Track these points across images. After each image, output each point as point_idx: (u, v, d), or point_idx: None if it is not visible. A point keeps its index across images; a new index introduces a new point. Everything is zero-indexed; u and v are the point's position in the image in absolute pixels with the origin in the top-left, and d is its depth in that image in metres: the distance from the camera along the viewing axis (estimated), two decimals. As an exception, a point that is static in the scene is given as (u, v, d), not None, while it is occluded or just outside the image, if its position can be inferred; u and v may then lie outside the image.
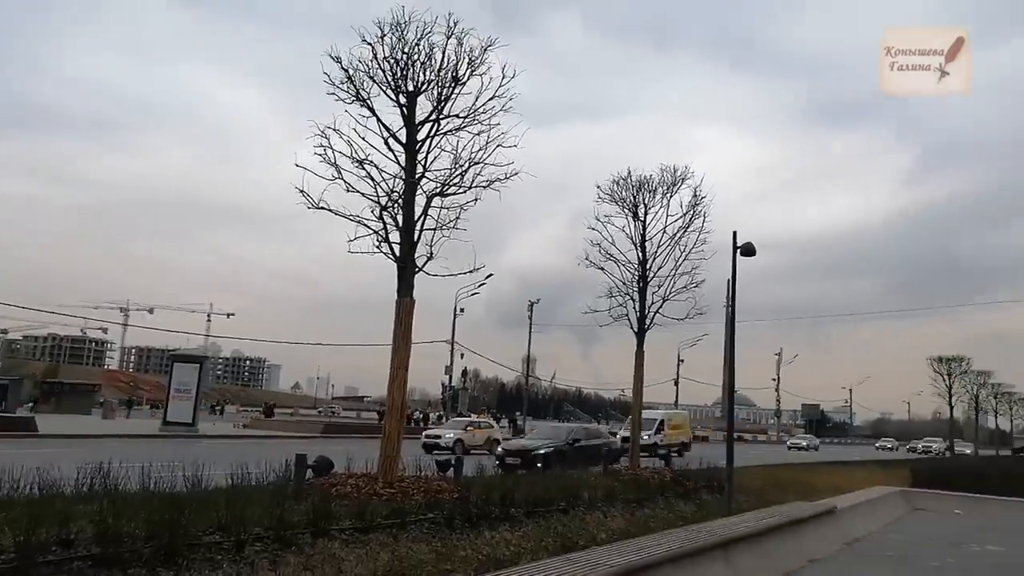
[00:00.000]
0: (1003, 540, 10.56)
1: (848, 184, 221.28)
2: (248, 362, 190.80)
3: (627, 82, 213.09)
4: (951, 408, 59.19)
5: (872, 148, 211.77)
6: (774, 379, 78.76)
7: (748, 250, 13.15)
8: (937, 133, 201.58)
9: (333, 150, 10.75)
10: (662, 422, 35.92)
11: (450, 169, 11.19)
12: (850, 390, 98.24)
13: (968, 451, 58.84)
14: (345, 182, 10.83)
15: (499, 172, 11.20)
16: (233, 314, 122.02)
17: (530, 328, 54.99)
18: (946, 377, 56.52)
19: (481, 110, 11.11)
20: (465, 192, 11.20)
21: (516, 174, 11.41)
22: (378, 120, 11.19)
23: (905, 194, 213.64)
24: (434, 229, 11.09)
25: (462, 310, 48.70)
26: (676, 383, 66.87)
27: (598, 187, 16.40)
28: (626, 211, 16.19)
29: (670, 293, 15.84)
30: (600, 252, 16.19)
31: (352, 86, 10.98)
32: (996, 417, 73.29)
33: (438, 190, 11.13)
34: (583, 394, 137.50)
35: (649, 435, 30.61)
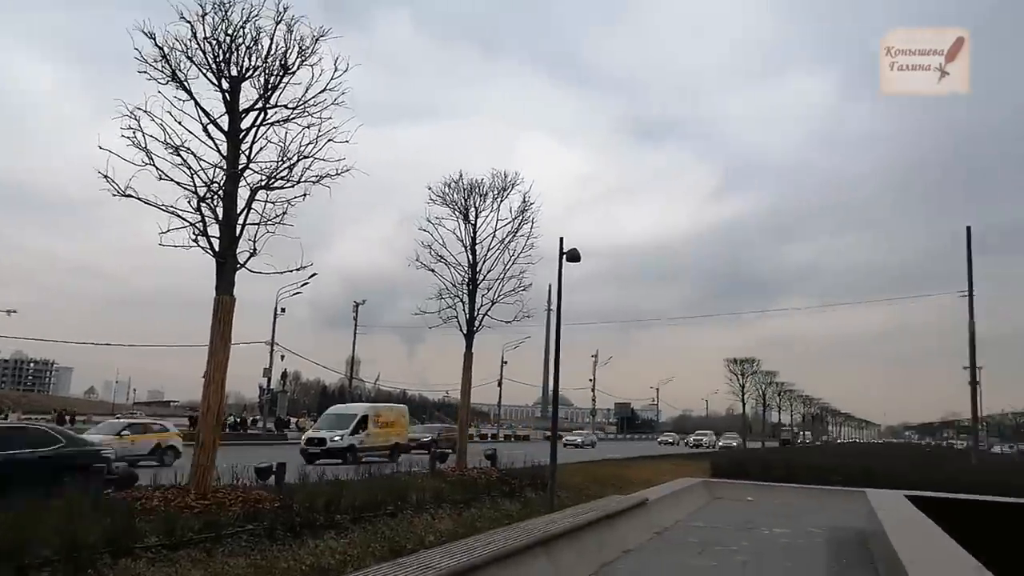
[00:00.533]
0: (788, 523, 11.76)
1: (659, 197, 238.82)
2: (32, 364, 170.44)
3: (458, 86, 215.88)
4: (743, 404, 65.38)
5: (681, 164, 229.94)
6: (590, 380, 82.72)
7: (573, 256, 13.70)
8: (734, 155, 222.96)
9: (144, 133, 9.89)
10: (364, 418, 27.23)
11: (277, 161, 10.69)
12: (657, 389, 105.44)
13: (734, 443, 64.68)
14: (157, 169, 10.02)
15: (330, 168, 10.85)
16: (15, 311, 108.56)
17: (355, 329, 53.90)
18: (739, 377, 62.38)
19: (312, 102, 10.72)
20: (293, 186, 10.75)
21: (348, 170, 11.11)
22: (197, 104, 10.45)
23: (709, 209, 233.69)
24: (258, 224, 10.53)
25: (283, 310, 46.75)
26: (500, 384, 68.38)
27: (429, 188, 16.42)
28: (457, 214, 16.32)
29: (499, 296, 16.18)
30: (431, 254, 16.21)
31: (168, 65, 10.17)
32: (779, 412, 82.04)
33: (263, 183, 10.58)
34: (408, 396, 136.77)
35: (343, 435, 24.98)
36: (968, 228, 31.78)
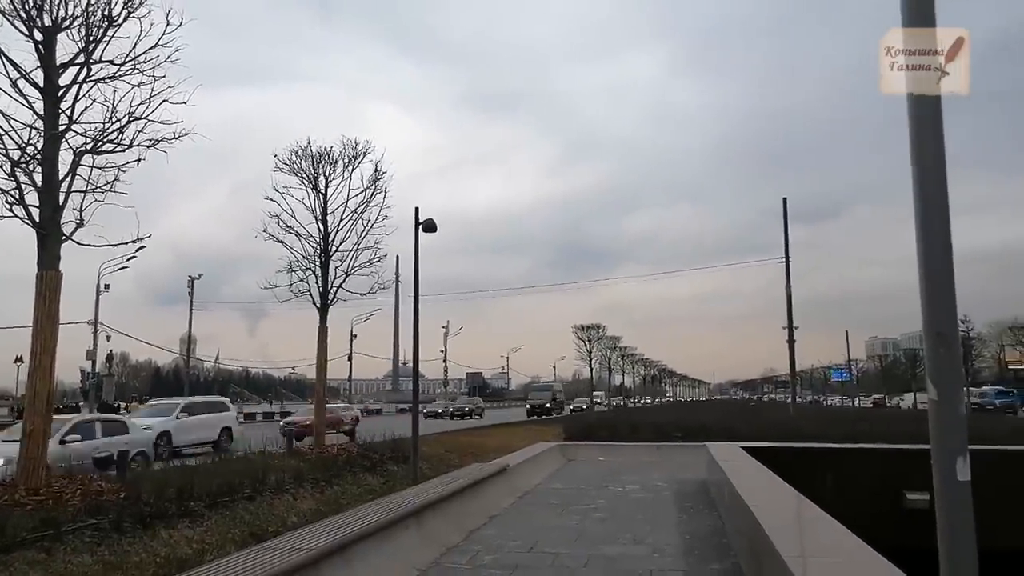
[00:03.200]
0: (638, 478, 12.51)
1: (506, 169, 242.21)
2: None
3: (301, 53, 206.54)
4: (591, 369, 68.44)
5: (526, 137, 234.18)
6: (442, 351, 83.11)
7: (430, 226, 13.57)
8: (577, 129, 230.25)
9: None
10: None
11: (104, 123, 9.71)
12: (507, 357, 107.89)
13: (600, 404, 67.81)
14: (-40, 127, 8.81)
15: (165, 131, 10.03)
16: None
17: (191, 305, 50.80)
18: (587, 343, 65.20)
19: (142, 58, 9.80)
20: (124, 150, 9.82)
21: (186, 134, 10.33)
22: (4, 56, 9.28)
23: (553, 180, 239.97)
24: (84, 192, 9.56)
25: (107, 287, 43.09)
26: (350, 358, 67.11)
27: (276, 156, 15.60)
28: (306, 183, 15.66)
29: (353, 268, 15.74)
30: (280, 224, 15.46)
31: (-34, 11, 8.93)
32: (623, 375, 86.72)
33: (89, 146, 9.59)
34: (251, 374, 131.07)
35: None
36: (784, 199, 34.82)
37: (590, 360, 66.52)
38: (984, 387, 58.58)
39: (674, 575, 6.10)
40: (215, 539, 6.97)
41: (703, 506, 9.69)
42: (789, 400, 41.68)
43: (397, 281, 36.71)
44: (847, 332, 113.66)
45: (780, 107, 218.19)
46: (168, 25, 9.75)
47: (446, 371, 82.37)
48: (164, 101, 9.92)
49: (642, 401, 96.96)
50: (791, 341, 34.49)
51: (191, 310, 50.69)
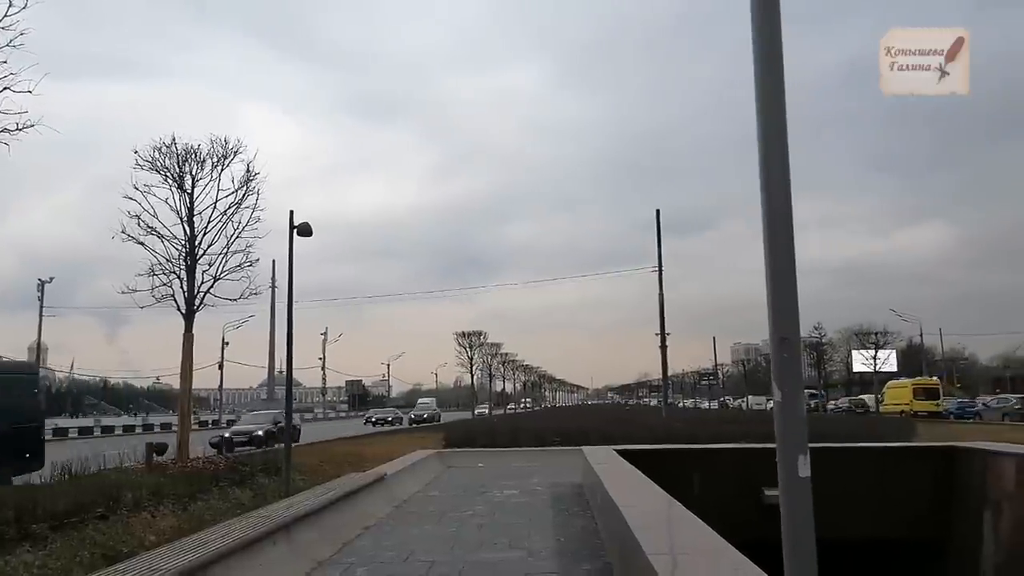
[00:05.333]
0: (516, 484, 12.64)
1: (388, 175, 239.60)
2: None
3: (170, 48, 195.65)
4: (472, 376, 68.64)
5: (409, 143, 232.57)
6: (320, 358, 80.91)
7: (305, 230, 13.16)
8: (459, 138, 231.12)
9: None
10: None
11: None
12: (388, 365, 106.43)
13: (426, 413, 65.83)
14: None
15: (7, 121, 9.23)
16: None
17: (41, 311, 46.86)
18: (468, 349, 65.33)
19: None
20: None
21: (31, 125, 9.57)
22: None
23: (436, 187, 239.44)
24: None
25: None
26: (221, 367, 64.03)
27: (136, 153, 14.68)
28: (171, 181, 14.82)
29: (223, 272, 15.02)
30: (140, 225, 14.54)
31: None
32: (504, 381, 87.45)
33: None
34: (110, 384, 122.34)
35: None
36: (657, 212, 36.43)
37: (471, 367, 66.74)
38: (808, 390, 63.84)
39: (547, 577, 6.19)
40: (60, 563, 6.42)
41: (578, 508, 9.90)
42: (662, 404, 43.40)
43: (273, 287, 35.49)
44: (714, 338, 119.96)
45: (655, 123, 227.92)
46: (11, 6, 8.99)
47: (324, 379, 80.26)
48: (6, 89, 9.14)
49: (523, 407, 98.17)
50: (663, 347, 36.03)
51: (40, 316, 46.75)
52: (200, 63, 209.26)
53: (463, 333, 66.73)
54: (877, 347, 62.63)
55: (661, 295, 35.46)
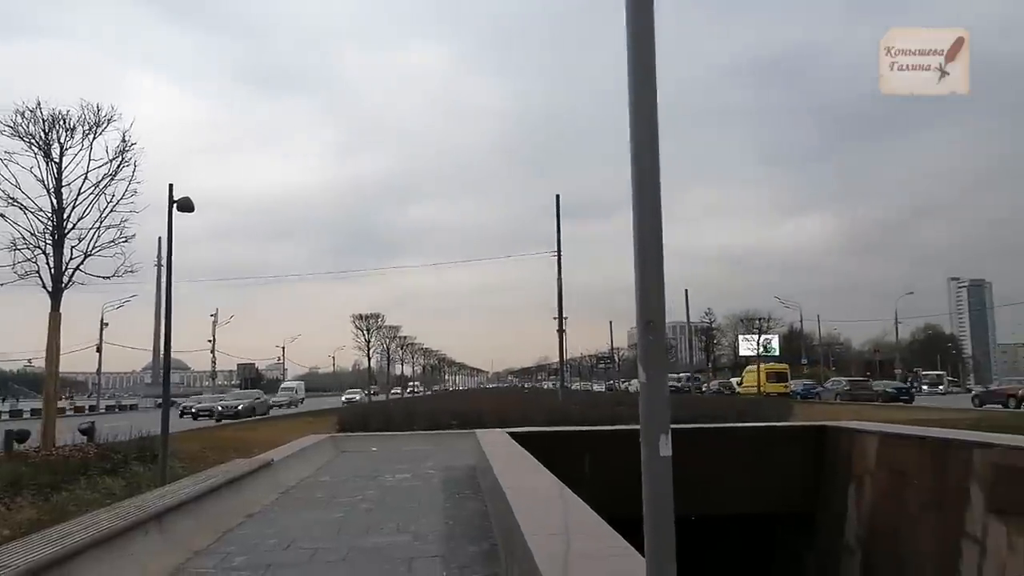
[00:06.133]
0: (409, 467, 12.56)
1: (288, 150, 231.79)
2: None
3: (47, 5, 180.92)
4: (369, 359, 67.66)
5: (310, 120, 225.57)
6: (210, 340, 77.60)
7: (185, 206, 12.49)
8: (362, 115, 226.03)
9: None
10: None
11: None
12: (283, 347, 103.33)
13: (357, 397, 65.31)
14: None
15: None
16: None
17: None
18: (365, 332, 64.33)
19: None
20: None
21: None
22: None
23: (337, 166, 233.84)
24: None
25: None
26: (99, 349, 60.44)
27: (-7, 117, 13.52)
28: (36, 149, 13.74)
29: (94, 248, 14.05)
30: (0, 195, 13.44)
31: None
32: (402, 365, 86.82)
33: None
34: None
35: None
36: (557, 197, 36.87)
37: (368, 350, 65.70)
38: (680, 373, 70.32)
39: (433, 560, 6.16)
40: None
41: (470, 492, 9.93)
42: (559, 387, 44.21)
43: (159, 265, 33.64)
44: (611, 323, 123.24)
45: (562, 108, 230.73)
46: None
47: (214, 362, 77.08)
48: None
49: (422, 390, 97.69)
50: (561, 331, 36.65)
51: None
52: (77, 23, 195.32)
53: (360, 315, 65.63)
54: (760, 332, 66.21)
55: (559, 280, 35.98)
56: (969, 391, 60.34)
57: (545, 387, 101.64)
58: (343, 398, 64.32)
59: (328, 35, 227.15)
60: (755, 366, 60.96)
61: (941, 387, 67.14)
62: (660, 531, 2.39)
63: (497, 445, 10.85)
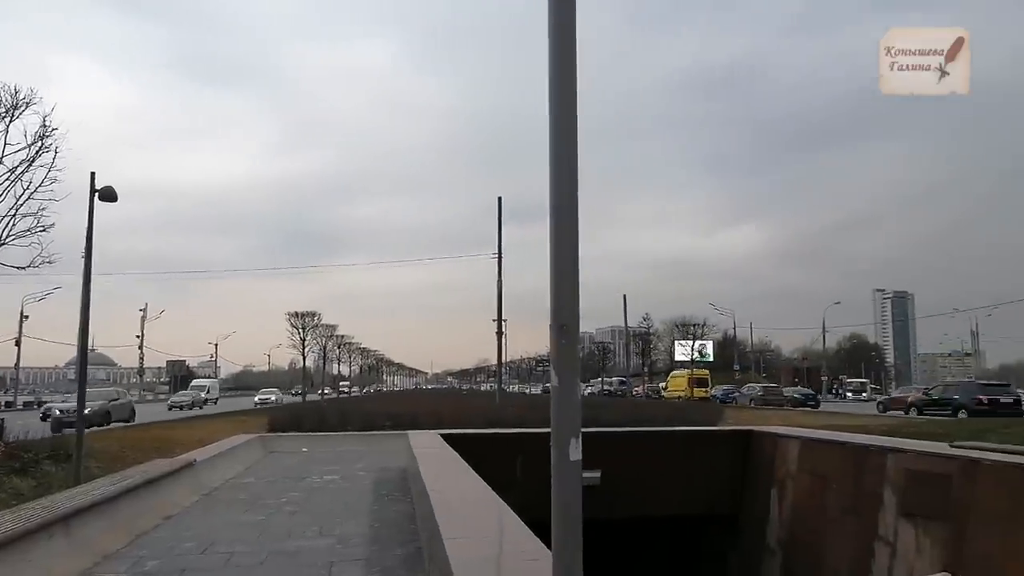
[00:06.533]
0: (339, 469, 12.35)
1: (225, 143, 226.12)
2: None
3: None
4: (304, 358, 66.40)
5: (248, 112, 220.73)
6: (138, 336, 75.03)
7: (108, 195, 11.99)
8: (303, 110, 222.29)
9: None
10: None
11: None
12: (216, 345, 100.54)
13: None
14: None
15: None
16: None
17: None
18: (300, 330, 63.14)
19: None
20: None
21: None
22: None
23: (276, 160, 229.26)
24: None
25: None
26: (18, 343, 57.72)
27: None
28: (-58, 131, 13.00)
29: (8, 236, 13.37)
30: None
31: None
32: (339, 364, 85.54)
33: None
34: None
35: None
36: (499, 198, 36.87)
37: (303, 348, 64.45)
38: (613, 377, 74.07)
39: (355, 564, 6.05)
40: None
41: (399, 494, 9.81)
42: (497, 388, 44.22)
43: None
44: (550, 326, 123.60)
45: (504, 111, 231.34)
46: None
47: (142, 358, 74.59)
48: None
49: (355, 390, 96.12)
50: (499, 333, 36.66)
51: None
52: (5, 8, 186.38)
53: (295, 313, 64.31)
54: (694, 338, 67.76)
55: (499, 281, 35.98)
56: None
57: (483, 389, 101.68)
58: (256, 399, 59.57)
59: (271, 28, 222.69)
60: (680, 372, 63.24)
61: (864, 394, 70.12)
62: (567, 535, 2.38)
63: (427, 447, 10.77)
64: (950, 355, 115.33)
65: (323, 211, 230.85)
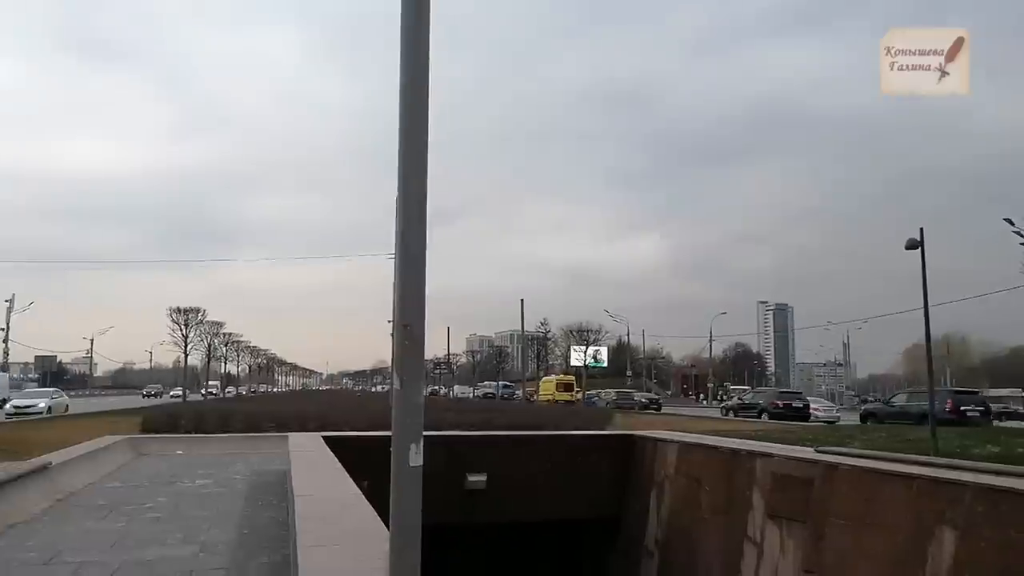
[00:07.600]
0: (215, 473, 11.78)
1: (110, 128, 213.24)
2: None
3: None
4: (186, 356, 63.13)
5: (137, 97, 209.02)
6: (2, 329, 69.37)
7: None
8: (198, 98, 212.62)
9: None
10: None
11: None
12: (92, 340, 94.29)
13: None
14: None
15: None
16: None
17: None
18: (183, 327, 60.05)
19: None
20: None
21: None
22: None
23: (167, 149, 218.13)
24: None
25: None
26: None
27: None
28: None
29: None
30: None
31: None
32: (226, 363, 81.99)
33: None
34: None
35: None
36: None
37: (185, 346, 61.22)
38: (500, 381, 76.16)
39: (215, 573, 5.76)
40: None
41: (275, 498, 9.45)
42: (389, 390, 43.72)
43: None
44: (449, 328, 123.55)
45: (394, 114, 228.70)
46: None
47: (7, 353, 69.05)
48: None
49: (210, 393, 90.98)
50: (394, 335, 36.23)
51: None
52: None
53: (177, 309, 60.93)
54: (588, 344, 69.33)
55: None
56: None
57: (376, 390, 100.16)
58: (144, 391, 55.09)
59: (164, 10, 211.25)
60: (550, 377, 68.55)
61: (724, 398, 74.40)
62: (405, 544, 2.32)
63: (306, 449, 10.47)
64: (825, 365, 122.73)
65: (222, 204, 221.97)
